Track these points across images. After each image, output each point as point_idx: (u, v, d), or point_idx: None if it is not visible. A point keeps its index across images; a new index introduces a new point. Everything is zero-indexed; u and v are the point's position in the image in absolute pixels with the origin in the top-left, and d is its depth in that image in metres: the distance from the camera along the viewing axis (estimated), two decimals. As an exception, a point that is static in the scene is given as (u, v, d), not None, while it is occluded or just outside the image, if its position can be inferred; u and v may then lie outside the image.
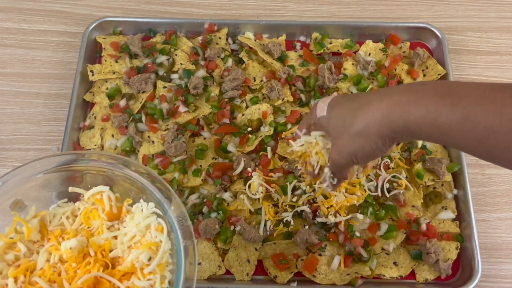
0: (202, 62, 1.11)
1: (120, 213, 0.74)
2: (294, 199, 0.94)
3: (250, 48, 1.12)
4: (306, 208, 0.93)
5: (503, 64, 1.17)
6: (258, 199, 0.95)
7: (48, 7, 1.24)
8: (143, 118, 1.03)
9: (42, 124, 1.08)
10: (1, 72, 1.14)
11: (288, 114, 1.04)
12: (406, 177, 0.98)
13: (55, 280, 0.68)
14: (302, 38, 1.17)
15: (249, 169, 0.96)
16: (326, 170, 0.71)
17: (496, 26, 1.22)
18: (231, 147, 1.00)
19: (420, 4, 1.25)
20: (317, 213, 0.92)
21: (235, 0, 1.25)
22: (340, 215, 0.91)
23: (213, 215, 0.94)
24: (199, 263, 0.91)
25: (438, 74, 1.09)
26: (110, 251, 0.71)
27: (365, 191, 0.94)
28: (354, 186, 0.94)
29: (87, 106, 1.08)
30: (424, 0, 1.26)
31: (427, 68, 1.11)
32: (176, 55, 1.11)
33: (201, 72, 1.09)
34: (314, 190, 0.93)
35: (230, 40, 1.15)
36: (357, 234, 0.92)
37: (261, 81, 1.09)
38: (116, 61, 1.10)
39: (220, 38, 1.14)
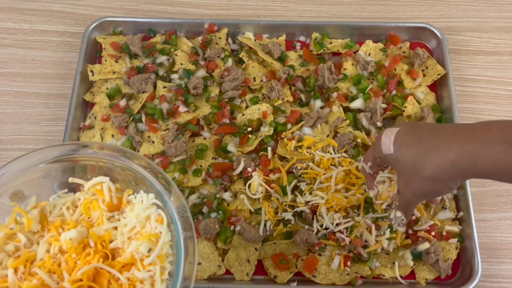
0: (202, 62, 1.11)
1: (120, 204, 0.74)
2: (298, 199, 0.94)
3: (250, 48, 1.12)
4: (306, 208, 0.93)
5: (503, 64, 1.17)
6: (258, 199, 0.95)
7: (48, 7, 1.24)
8: (143, 118, 1.03)
9: (42, 124, 1.09)
10: (1, 72, 1.15)
11: (288, 114, 1.04)
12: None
13: (55, 271, 0.67)
14: (302, 38, 1.17)
15: (249, 169, 0.96)
16: (398, 214, 0.75)
17: (496, 26, 1.22)
18: (231, 147, 1.00)
19: (420, 4, 1.25)
20: (315, 217, 0.92)
21: (235, 0, 1.25)
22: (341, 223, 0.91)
23: (213, 215, 0.94)
24: (199, 263, 0.91)
25: (438, 74, 1.09)
26: (110, 242, 0.70)
27: (365, 191, 0.94)
28: (353, 186, 0.94)
29: (87, 106, 1.09)
30: (424, 0, 1.26)
31: (427, 68, 1.11)
32: (176, 55, 1.11)
33: (201, 72, 1.09)
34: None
35: (230, 40, 1.15)
36: (357, 234, 0.91)
37: (261, 81, 1.09)
38: (116, 61, 1.10)
39: (220, 38, 1.14)
